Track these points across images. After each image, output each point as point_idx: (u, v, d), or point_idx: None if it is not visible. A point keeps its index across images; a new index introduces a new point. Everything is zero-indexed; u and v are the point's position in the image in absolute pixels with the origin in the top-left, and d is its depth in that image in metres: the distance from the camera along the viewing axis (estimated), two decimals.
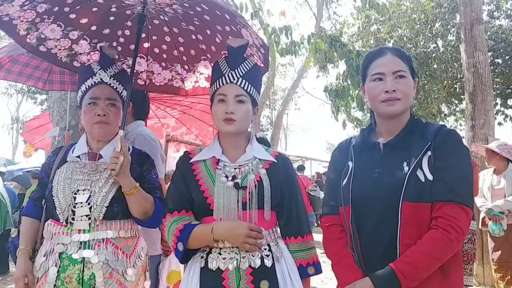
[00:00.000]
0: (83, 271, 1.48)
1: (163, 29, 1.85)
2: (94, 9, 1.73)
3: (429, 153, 1.28)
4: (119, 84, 1.66)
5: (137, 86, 2.05)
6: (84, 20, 1.76)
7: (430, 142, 1.29)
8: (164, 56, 1.96)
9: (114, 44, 1.91)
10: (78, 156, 1.65)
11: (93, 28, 1.81)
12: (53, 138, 3.52)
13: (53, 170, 1.63)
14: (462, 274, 1.37)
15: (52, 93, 3.43)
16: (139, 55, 1.94)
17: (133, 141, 2.03)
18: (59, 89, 2.78)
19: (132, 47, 1.90)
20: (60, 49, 1.82)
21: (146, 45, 1.94)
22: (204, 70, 1.98)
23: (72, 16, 1.73)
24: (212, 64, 1.93)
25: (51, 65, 2.59)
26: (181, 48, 1.92)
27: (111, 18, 1.78)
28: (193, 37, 1.83)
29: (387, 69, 1.35)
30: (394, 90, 1.33)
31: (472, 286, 4.15)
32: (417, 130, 1.36)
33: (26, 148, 10.21)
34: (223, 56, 1.58)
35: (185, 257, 1.43)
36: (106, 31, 1.85)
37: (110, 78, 1.65)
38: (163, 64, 2.00)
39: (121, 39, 1.90)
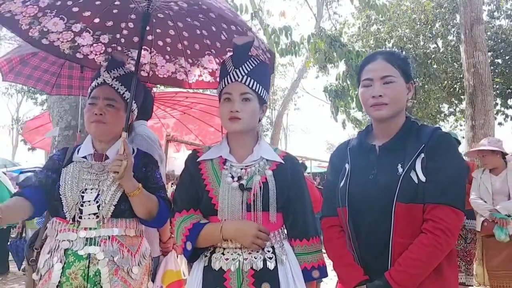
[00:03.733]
0: (88, 267, 1.48)
1: (168, 23, 1.84)
2: (97, 2, 1.72)
3: (422, 155, 1.31)
4: (121, 85, 1.66)
5: (140, 78, 2.05)
6: (87, 13, 1.76)
7: (424, 145, 1.32)
8: (168, 49, 1.96)
9: (118, 36, 1.91)
10: (84, 157, 1.66)
11: (96, 20, 1.81)
12: (53, 138, 3.52)
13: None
14: (457, 271, 1.39)
15: None
16: (143, 47, 1.94)
17: (132, 141, 2.03)
18: (66, 93, 2.78)
19: (136, 39, 1.90)
20: (62, 42, 1.82)
21: (149, 37, 1.93)
22: (208, 64, 1.98)
23: (75, 9, 1.73)
24: (217, 60, 1.92)
25: (59, 69, 2.60)
26: (185, 42, 1.91)
27: (115, 11, 1.78)
28: (198, 32, 1.83)
29: (375, 75, 1.39)
30: (380, 95, 1.36)
31: (472, 286, 4.13)
32: (412, 132, 1.39)
33: None
34: (229, 55, 1.57)
35: (193, 256, 1.43)
36: (110, 23, 1.85)
37: (112, 79, 1.67)
38: (167, 56, 2.00)
39: (125, 31, 1.90)
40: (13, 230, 6.39)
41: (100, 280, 1.48)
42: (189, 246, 1.39)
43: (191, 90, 3.74)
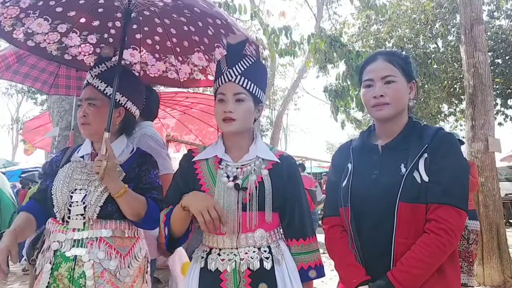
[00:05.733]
0: (74, 269, 1.47)
1: (154, 20, 1.82)
2: (81, 1, 1.70)
3: (425, 155, 1.31)
4: (101, 82, 1.63)
5: None
6: (71, 13, 1.73)
7: (427, 145, 1.32)
8: (157, 47, 1.93)
9: (105, 36, 1.88)
10: (82, 157, 1.66)
11: (82, 20, 1.78)
12: (53, 138, 3.53)
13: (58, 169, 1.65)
14: (459, 273, 1.39)
15: None
16: (131, 46, 1.92)
17: (138, 141, 2.02)
18: (64, 93, 2.76)
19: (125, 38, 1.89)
20: (49, 43, 1.79)
21: (138, 36, 1.90)
22: (198, 61, 1.95)
23: (59, 9, 1.70)
24: (206, 56, 1.90)
25: (57, 69, 2.58)
26: (174, 39, 1.88)
27: (100, 10, 1.75)
28: (185, 28, 1.80)
29: (376, 75, 1.39)
30: (382, 95, 1.37)
31: (473, 286, 4.14)
32: (415, 132, 1.39)
33: (27, 146, 10.19)
34: (224, 54, 1.56)
35: (170, 243, 1.42)
36: (96, 23, 1.82)
37: (93, 78, 1.65)
38: (157, 55, 1.97)
39: (112, 31, 1.87)
40: None
41: (85, 282, 1.46)
42: (166, 231, 1.39)
43: (191, 90, 3.75)
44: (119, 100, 1.66)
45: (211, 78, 1.96)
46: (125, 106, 1.68)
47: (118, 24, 1.85)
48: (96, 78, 1.64)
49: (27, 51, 1.97)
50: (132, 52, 1.95)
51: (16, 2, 1.61)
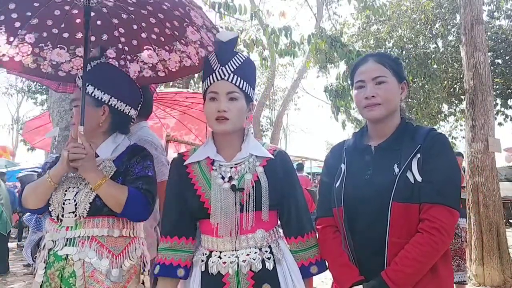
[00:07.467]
0: (64, 268, 1.47)
1: (142, 12, 1.76)
2: (78, 20, 1.68)
3: (418, 155, 1.32)
4: (81, 82, 1.65)
5: (160, 79, 1.98)
6: (79, 35, 1.73)
7: (419, 145, 1.33)
8: (162, 39, 1.87)
9: (120, 46, 1.88)
10: None
11: (93, 38, 1.78)
12: (53, 138, 3.52)
13: None
14: (452, 272, 1.40)
15: (52, 93, 3.42)
16: (145, 47, 1.89)
17: (137, 140, 2.00)
18: (72, 91, 2.76)
19: (135, 42, 1.86)
20: (78, 69, 1.80)
21: (143, 35, 1.86)
22: (193, 37, 1.84)
23: (66, 35, 1.70)
24: (194, 28, 1.75)
25: None
26: (168, 24, 1.81)
27: (98, 22, 1.74)
28: (165, 7, 1.71)
29: (367, 76, 1.41)
30: (373, 96, 1.38)
31: (467, 283, 4.27)
32: (407, 133, 1.40)
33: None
34: (213, 51, 1.51)
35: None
36: (105, 37, 1.81)
37: (79, 80, 1.65)
38: (166, 47, 1.90)
39: (122, 39, 1.87)
40: (12, 230, 6.39)
41: (75, 282, 1.45)
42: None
43: (190, 90, 3.73)
44: (101, 98, 1.62)
45: (210, 49, 1.81)
46: (109, 103, 1.63)
47: (122, 30, 1.84)
48: (80, 79, 1.64)
49: (62, 82, 1.95)
50: (149, 53, 1.91)
51: (22, 40, 1.61)
